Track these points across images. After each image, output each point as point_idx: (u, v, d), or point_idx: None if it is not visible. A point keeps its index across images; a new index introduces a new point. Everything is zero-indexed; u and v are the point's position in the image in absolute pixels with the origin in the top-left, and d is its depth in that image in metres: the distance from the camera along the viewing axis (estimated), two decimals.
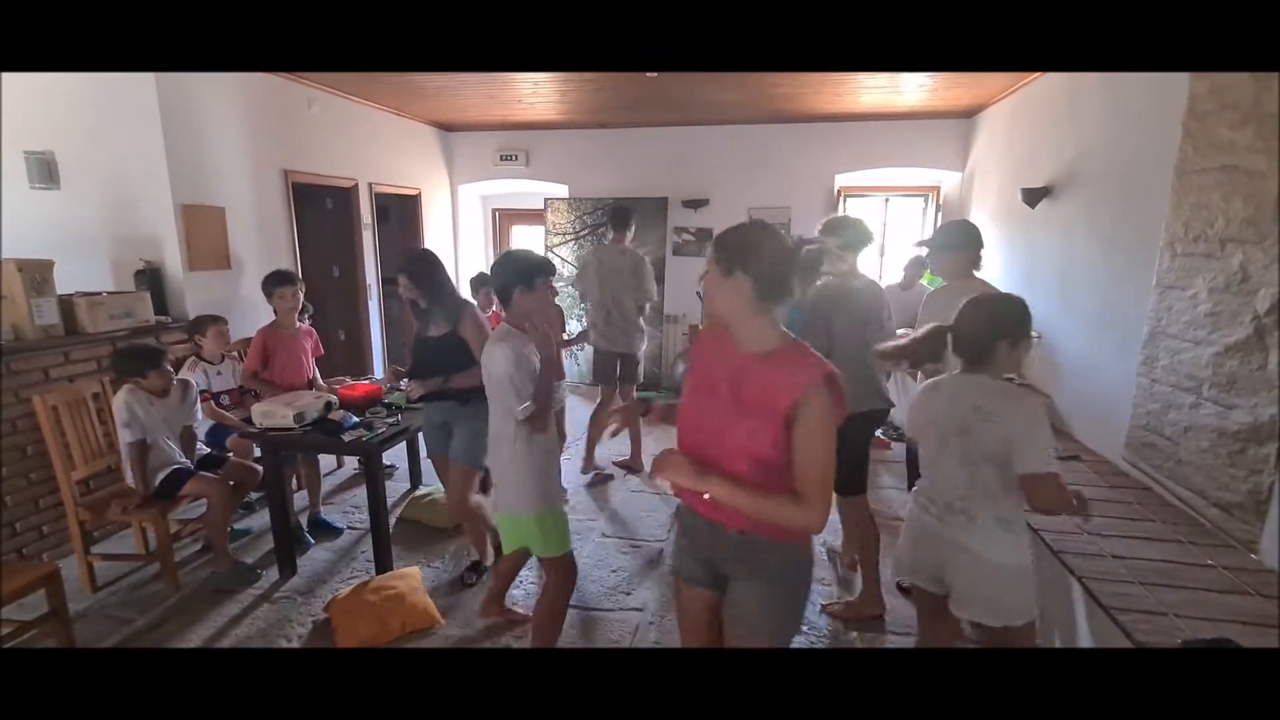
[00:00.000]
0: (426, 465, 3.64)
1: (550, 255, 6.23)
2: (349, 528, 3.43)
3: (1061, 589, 2.11)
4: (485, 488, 2.82)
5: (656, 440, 4.68)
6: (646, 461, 4.19)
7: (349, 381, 3.53)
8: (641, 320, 4.07)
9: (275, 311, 3.29)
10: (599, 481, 4.05)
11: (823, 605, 2.71)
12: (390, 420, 2.94)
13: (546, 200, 6.44)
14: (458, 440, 2.70)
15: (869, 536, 2.60)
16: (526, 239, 7.45)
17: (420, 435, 3.02)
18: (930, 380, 1.79)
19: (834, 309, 2.41)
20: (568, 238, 6.39)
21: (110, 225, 3.65)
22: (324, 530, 3.35)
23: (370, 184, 5.33)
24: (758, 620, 1.46)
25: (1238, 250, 2.19)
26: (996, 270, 4.49)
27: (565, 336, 3.51)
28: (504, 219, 7.49)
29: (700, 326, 3.96)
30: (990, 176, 4.93)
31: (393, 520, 3.41)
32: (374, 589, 2.61)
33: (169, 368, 2.86)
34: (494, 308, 4.27)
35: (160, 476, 2.79)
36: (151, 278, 3.58)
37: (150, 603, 2.76)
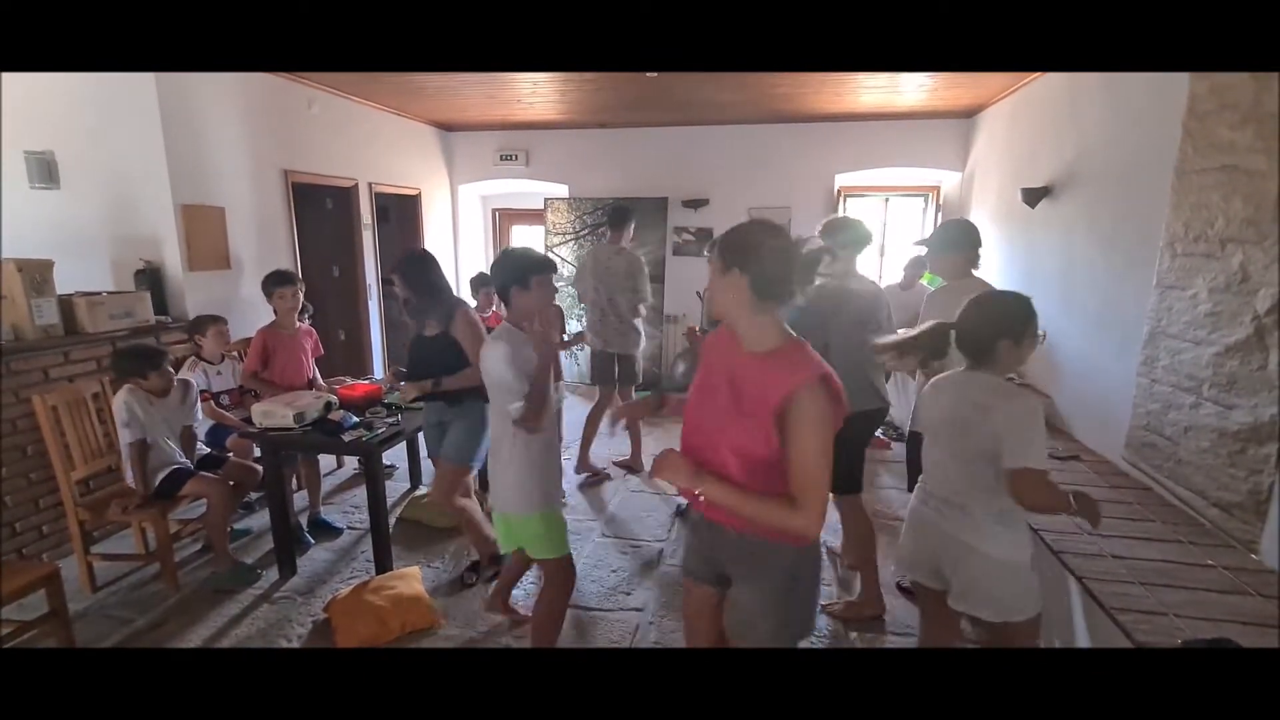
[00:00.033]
0: (427, 465, 3.64)
1: (550, 255, 6.23)
2: (349, 528, 3.43)
3: (1061, 589, 2.11)
4: (484, 487, 2.82)
5: (656, 440, 4.68)
6: (647, 461, 4.19)
7: (349, 381, 3.53)
8: (638, 321, 4.05)
9: (275, 311, 3.29)
10: (595, 483, 4.04)
11: (822, 605, 2.71)
12: (390, 420, 2.94)
13: (546, 200, 6.44)
14: (448, 439, 2.71)
15: (865, 536, 2.60)
16: (527, 239, 7.45)
17: (420, 435, 3.03)
18: (937, 377, 1.81)
19: (830, 310, 2.41)
20: (568, 238, 6.40)
21: (110, 225, 3.65)
22: (324, 530, 3.35)
23: (370, 184, 5.33)
24: (754, 622, 1.45)
25: (1238, 250, 2.19)
26: (996, 270, 4.49)
27: (564, 337, 3.50)
28: (504, 219, 7.49)
29: (698, 328, 3.95)
30: (990, 176, 4.93)
31: (393, 520, 3.41)
32: (374, 589, 2.61)
33: (169, 368, 2.86)
34: (494, 308, 4.27)
35: (160, 476, 2.79)
36: (151, 278, 3.58)
37: (150, 603, 2.76)
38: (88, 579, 2.81)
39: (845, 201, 6.08)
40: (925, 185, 5.99)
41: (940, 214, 5.88)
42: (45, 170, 3.62)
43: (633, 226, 4.07)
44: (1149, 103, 2.82)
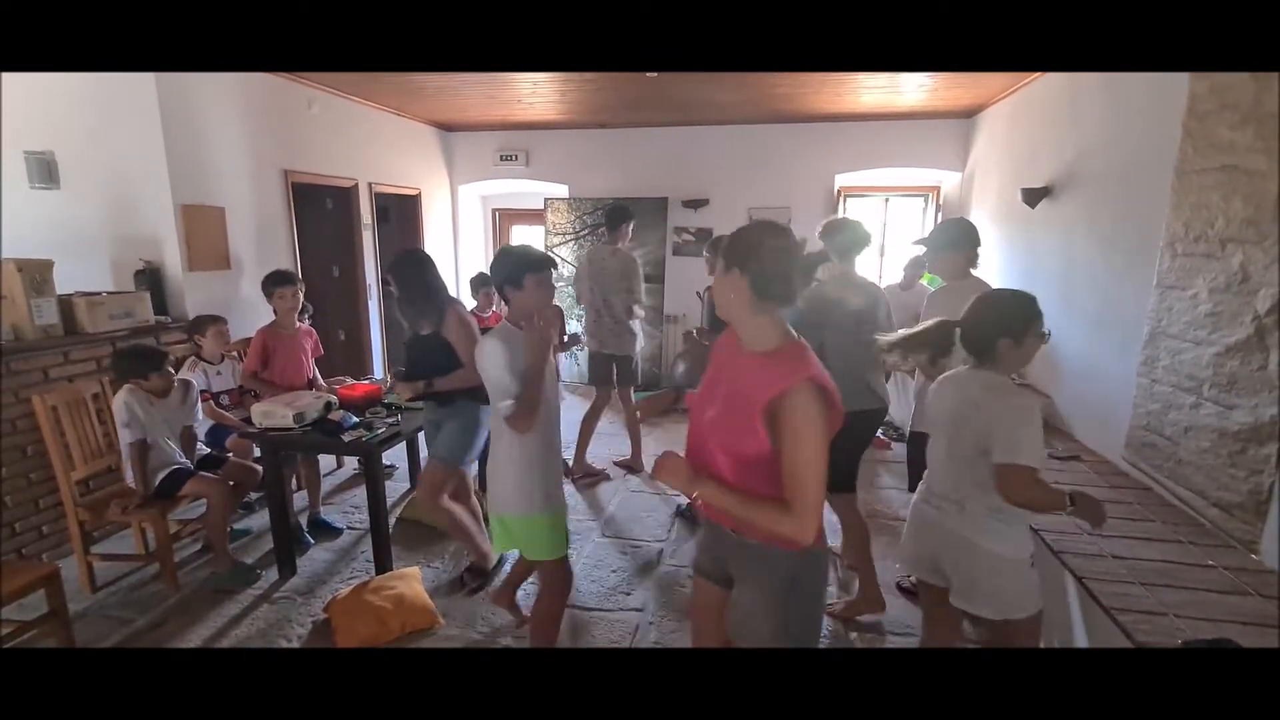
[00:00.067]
0: None
1: (550, 255, 6.23)
2: (349, 528, 3.43)
3: (1061, 589, 2.11)
4: (484, 487, 2.82)
5: (657, 440, 4.68)
6: (647, 461, 4.19)
7: (349, 381, 3.53)
8: (634, 322, 4.03)
9: (275, 311, 3.29)
10: (591, 484, 4.03)
11: None
12: (390, 420, 2.94)
13: (546, 200, 6.44)
14: (439, 438, 2.71)
15: (860, 535, 2.61)
16: (527, 239, 7.45)
17: (420, 435, 3.02)
18: (942, 375, 1.81)
19: (827, 310, 2.41)
20: (568, 238, 6.40)
21: (110, 225, 3.65)
22: (324, 530, 3.35)
23: (370, 184, 5.33)
24: (753, 624, 1.45)
25: (1238, 250, 2.19)
26: (996, 270, 4.49)
27: (563, 338, 3.50)
28: (504, 219, 7.49)
29: (697, 328, 3.95)
30: (990, 176, 4.93)
31: (392, 520, 3.41)
32: (374, 589, 2.61)
33: (169, 369, 2.86)
34: (495, 307, 4.28)
35: (160, 476, 2.79)
36: (151, 278, 3.58)
37: (150, 603, 2.76)
38: (87, 579, 2.81)
39: (845, 201, 6.08)
40: (925, 185, 5.99)
41: (940, 214, 5.88)
42: (45, 170, 3.62)
43: (630, 227, 4.05)
44: (1149, 103, 2.82)
